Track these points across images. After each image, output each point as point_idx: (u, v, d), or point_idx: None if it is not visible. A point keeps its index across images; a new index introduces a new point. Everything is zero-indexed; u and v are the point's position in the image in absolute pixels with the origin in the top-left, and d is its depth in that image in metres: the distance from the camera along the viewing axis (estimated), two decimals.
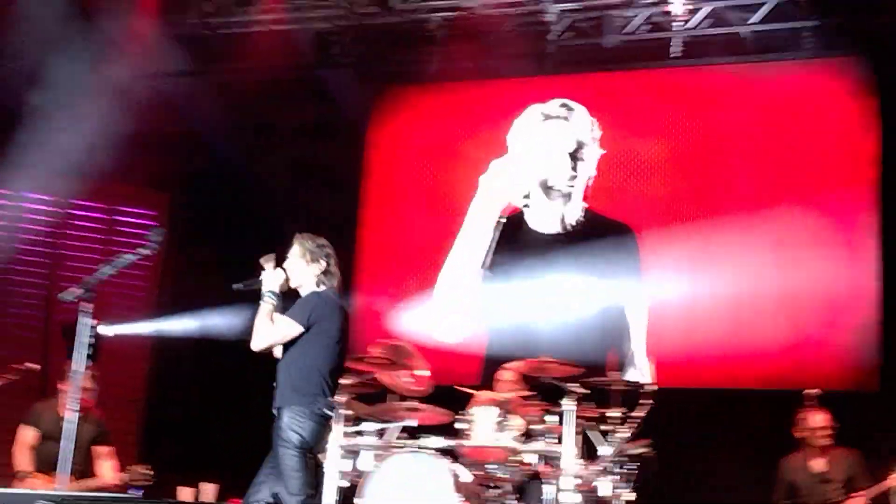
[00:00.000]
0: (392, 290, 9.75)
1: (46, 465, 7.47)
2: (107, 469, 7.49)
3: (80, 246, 10.25)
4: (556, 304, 8.56)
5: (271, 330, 5.61)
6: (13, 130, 9.44)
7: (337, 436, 7.21)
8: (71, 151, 10.38)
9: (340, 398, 7.23)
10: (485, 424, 7.21)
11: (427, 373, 7.56)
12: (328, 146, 10.53)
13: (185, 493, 7.20)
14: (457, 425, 7.40)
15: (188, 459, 9.24)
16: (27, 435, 7.53)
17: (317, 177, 10.51)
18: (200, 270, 10.52)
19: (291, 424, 5.58)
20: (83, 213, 10.34)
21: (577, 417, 7.15)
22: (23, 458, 7.49)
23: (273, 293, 5.68)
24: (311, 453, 5.59)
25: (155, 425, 10.16)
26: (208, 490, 7.15)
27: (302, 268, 5.88)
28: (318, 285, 5.85)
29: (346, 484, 7.28)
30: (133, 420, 10.05)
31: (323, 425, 5.66)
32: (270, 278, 5.73)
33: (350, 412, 7.34)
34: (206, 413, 10.21)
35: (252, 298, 5.77)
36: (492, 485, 7.20)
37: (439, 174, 9.86)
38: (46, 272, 10.20)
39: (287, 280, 5.81)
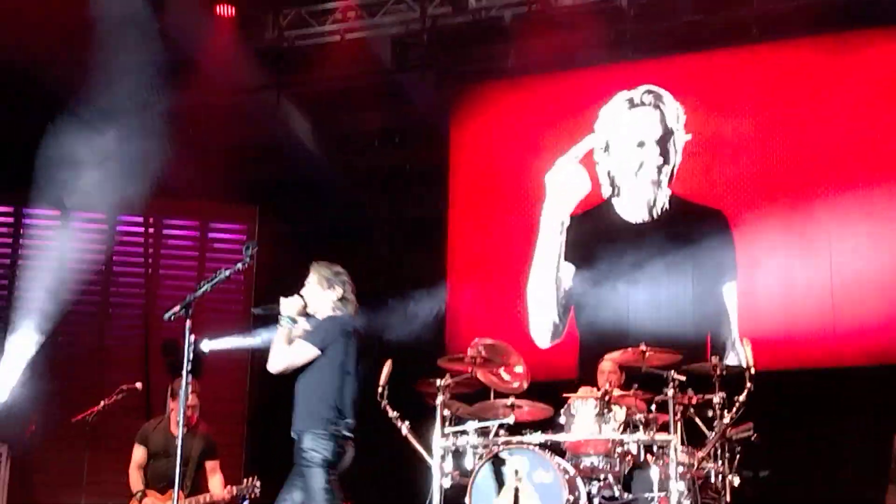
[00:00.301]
0: (483, 288, 9.75)
1: (158, 482, 7.60)
2: (216, 483, 7.59)
3: (175, 264, 10.40)
4: (649, 292, 8.51)
5: (288, 353, 5.71)
6: (101, 155, 9.62)
7: (439, 435, 7.26)
8: (158, 171, 10.58)
9: (439, 399, 7.29)
10: (586, 417, 7.21)
11: (524, 369, 7.57)
12: (411, 150, 10.58)
13: None
14: (558, 420, 7.41)
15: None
16: (138, 454, 7.67)
17: (402, 181, 10.56)
18: (291, 280, 10.63)
19: (314, 446, 5.66)
20: (175, 231, 10.49)
21: (679, 404, 7.12)
22: (134, 476, 7.63)
23: (290, 318, 5.79)
24: (334, 472, 5.70)
25: (258, 437, 10.27)
26: None
27: (318, 294, 5.96)
28: (333, 311, 5.94)
29: (449, 484, 7.32)
30: (238, 433, 10.17)
31: (343, 446, 5.77)
32: (288, 304, 5.85)
33: (450, 412, 7.38)
34: None
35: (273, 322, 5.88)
36: (596, 477, 7.20)
37: (524, 169, 9.83)
38: (143, 292, 10.38)
39: (305, 306, 5.90)
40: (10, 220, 10.44)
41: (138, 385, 7.84)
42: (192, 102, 9.69)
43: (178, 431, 7.47)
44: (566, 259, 9.27)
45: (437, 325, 9.47)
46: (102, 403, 7.70)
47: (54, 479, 9.60)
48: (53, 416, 9.42)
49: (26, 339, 9.68)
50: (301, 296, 5.88)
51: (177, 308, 5.65)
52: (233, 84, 10.13)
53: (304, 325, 5.79)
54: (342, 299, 5.96)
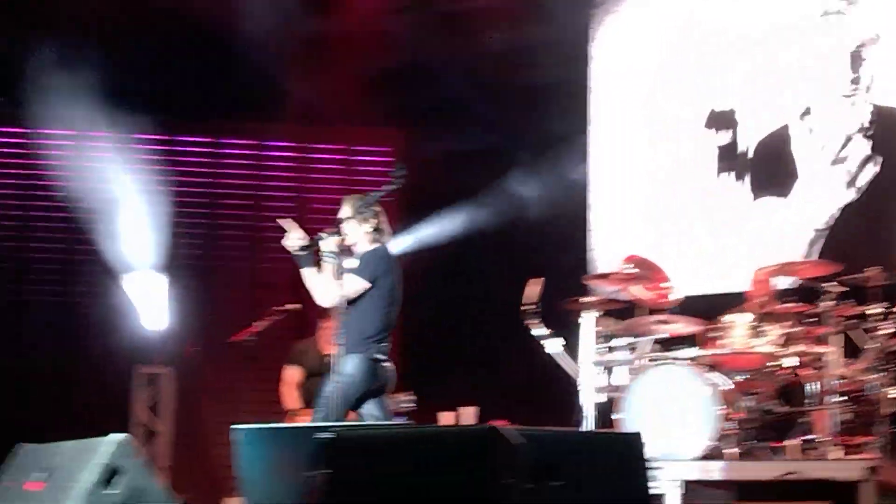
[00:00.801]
0: (627, 205, 9.64)
1: (312, 398, 7.78)
2: None
3: (322, 188, 10.55)
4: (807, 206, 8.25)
5: (339, 288, 5.87)
6: (257, 86, 9.78)
7: (589, 352, 7.27)
8: (306, 97, 10.71)
9: (588, 316, 7.28)
10: (740, 331, 7.12)
11: (674, 285, 7.49)
12: (551, 67, 10.43)
13: (445, 417, 7.37)
14: (710, 334, 7.33)
15: (447, 384, 9.48)
16: (293, 374, 7.86)
17: (542, 98, 10.45)
18: (437, 201, 10.69)
19: (351, 368, 5.92)
20: (322, 155, 10.63)
21: (837, 316, 6.96)
22: (291, 396, 7.83)
23: (332, 253, 5.94)
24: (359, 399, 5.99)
25: (412, 352, 10.44)
26: (468, 414, 7.32)
27: (355, 227, 6.12)
28: (371, 243, 6.11)
29: (602, 399, 7.34)
30: (392, 349, 10.33)
31: (376, 369, 5.99)
32: (328, 240, 6.02)
33: (601, 329, 7.38)
34: (461, 336, 10.42)
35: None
36: (751, 391, 7.12)
37: (664, 87, 9.61)
38: (294, 217, 10.54)
39: (343, 240, 6.06)
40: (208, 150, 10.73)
41: (292, 306, 8.01)
42: (336, 27, 9.73)
43: (330, 350, 7.67)
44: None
45: (583, 243, 9.42)
46: (259, 325, 7.89)
47: (215, 399, 9.93)
48: (212, 339, 9.73)
49: (179, 266, 9.99)
50: (339, 231, 6.04)
51: (328, 230, 5.74)
52: (376, 6, 10.14)
53: (347, 262, 5.98)
54: (377, 230, 6.15)
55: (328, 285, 5.93)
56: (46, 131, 10.14)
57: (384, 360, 6.06)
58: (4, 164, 10.63)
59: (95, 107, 9.67)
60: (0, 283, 10.47)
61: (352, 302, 5.97)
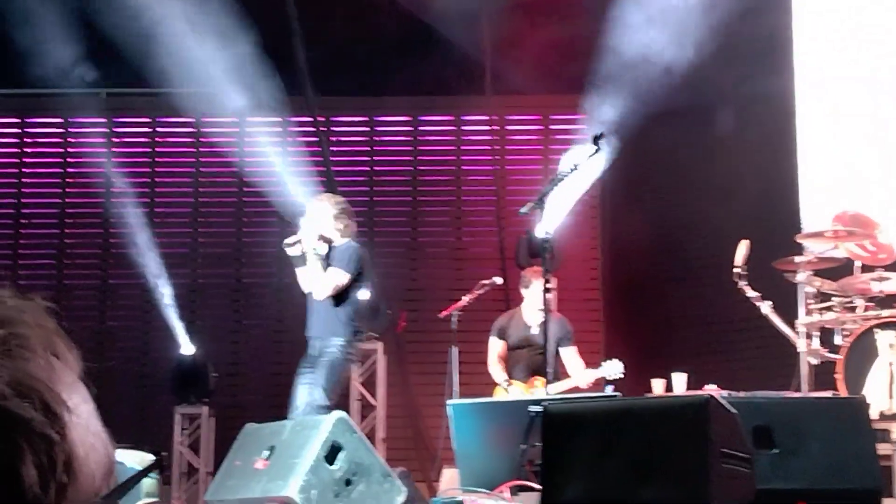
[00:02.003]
0: (841, 160, 9.29)
1: (519, 372, 7.83)
2: (577, 369, 7.73)
3: (520, 159, 10.58)
4: None
5: (331, 280, 6.44)
6: (453, 61, 9.87)
7: (803, 314, 7.06)
8: (501, 68, 10.73)
9: (801, 276, 7.07)
10: None
11: (890, 239, 7.19)
12: (751, 20, 10.10)
13: (657, 384, 7.27)
14: None
15: (655, 351, 9.39)
16: (497, 346, 7.91)
17: (743, 55, 10.15)
18: (638, 161, 10.56)
19: (344, 348, 6.47)
20: (518, 126, 10.65)
21: None
22: (496, 368, 7.89)
23: (315, 249, 6.46)
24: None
25: (614, 323, 10.38)
26: (680, 380, 7.19)
27: (330, 224, 6.56)
28: (341, 237, 6.58)
29: (817, 362, 7.12)
30: (594, 319, 10.33)
31: (356, 350, 6.78)
32: (310, 237, 6.50)
33: (813, 289, 7.15)
34: (668, 302, 10.29)
35: None
36: None
37: (873, 34, 9.18)
38: (494, 189, 10.64)
39: (321, 237, 6.52)
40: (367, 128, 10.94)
41: (497, 280, 8.06)
42: None
43: (532, 321, 7.70)
44: None
45: (792, 199, 9.14)
46: (466, 299, 7.96)
47: (424, 370, 10.11)
48: (421, 312, 9.91)
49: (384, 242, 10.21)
50: (316, 229, 6.51)
51: (531, 202, 5.76)
52: None
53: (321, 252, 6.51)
54: (346, 226, 6.62)
55: (321, 279, 6.44)
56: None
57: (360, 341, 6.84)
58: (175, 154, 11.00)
59: (293, 89, 9.97)
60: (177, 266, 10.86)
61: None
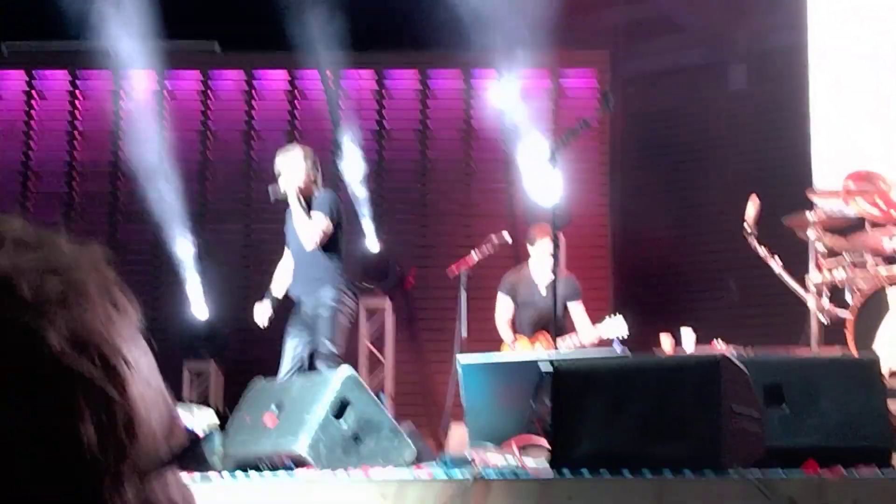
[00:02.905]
0: (851, 118, 9.21)
1: (526, 328, 7.83)
2: (584, 325, 7.72)
3: (530, 114, 10.48)
4: None
5: (317, 227, 6.38)
6: (459, 16, 9.78)
7: (813, 272, 7.03)
8: (509, 22, 10.63)
9: (812, 234, 7.03)
10: None
11: None
12: None
13: (665, 340, 7.25)
14: None
15: (664, 306, 9.38)
16: (506, 302, 7.90)
17: (756, 8, 10.06)
18: (649, 117, 10.51)
19: (337, 299, 6.40)
20: (527, 81, 10.56)
21: None
22: (504, 326, 7.88)
23: (298, 198, 6.39)
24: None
25: (623, 279, 10.37)
26: (688, 335, 7.17)
27: (310, 174, 6.52)
28: (317, 189, 6.54)
29: (826, 319, 7.10)
30: (602, 276, 10.30)
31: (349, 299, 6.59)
32: (291, 185, 6.44)
33: (824, 246, 7.11)
34: (677, 257, 10.27)
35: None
36: None
37: None
38: (502, 145, 10.58)
39: (301, 186, 6.46)
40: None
41: (506, 236, 8.03)
42: None
43: (540, 278, 7.69)
44: None
45: (804, 156, 9.08)
46: (474, 255, 7.94)
47: (432, 326, 10.12)
48: (429, 269, 9.89)
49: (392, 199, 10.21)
50: (295, 180, 6.45)
51: (543, 158, 5.72)
52: None
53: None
54: (317, 181, 6.57)
55: (308, 227, 6.38)
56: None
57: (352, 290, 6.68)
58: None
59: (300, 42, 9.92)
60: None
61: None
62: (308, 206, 6.44)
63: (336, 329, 6.35)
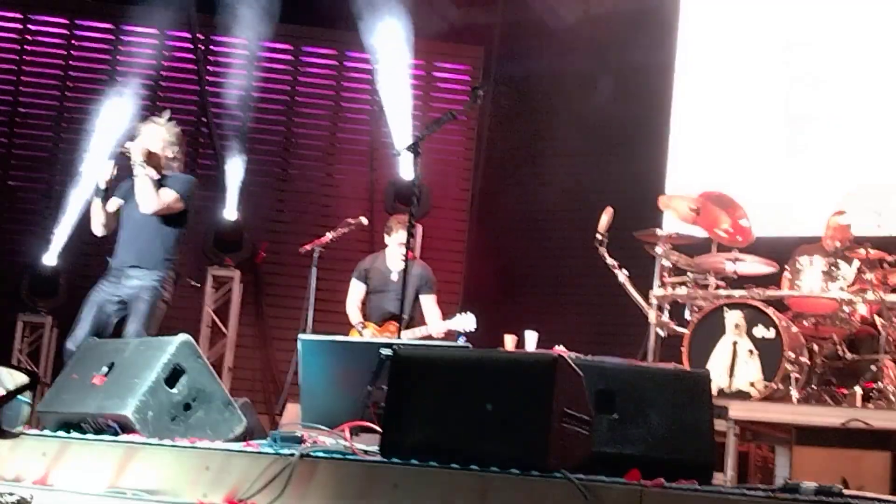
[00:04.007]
0: (708, 140, 9.46)
1: (376, 315, 7.81)
2: (433, 317, 7.74)
3: (399, 102, 10.45)
4: None
5: (163, 199, 6.19)
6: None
7: (658, 286, 7.19)
8: (387, 10, 10.60)
9: (660, 249, 7.18)
10: (812, 274, 6.98)
11: (749, 223, 7.35)
12: None
13: (509, 340, 7.34)
14: (782, 276, 7.20)
15: (511, 308, 9.47)
16: (356, 288, 7.87)
17: (627, 24, 10.23)
18: (514, 124, 10.60)
19: (163, 284, 6.20)
20: (401, 70, 10.51)
21: None
22: (353, 309, 7.85)
23: (142, 164, 6.18)
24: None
25: (475, 274, 10.43)
26: (531, 338, 7.27)
27: (165, 150, 6.34)
28: (167, 168, 6.34)
29: (665, 334, 7.27)
30: (457, 270, 10.35)
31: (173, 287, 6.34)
32: (136, 149, 6.23)
33: (670, 263, 7.28)
34: (528, 261, 10.38)
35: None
36: (820, 336, 7.00)
37: (752, 22, 9.34)
38: (369, 129, 10.55)
39: (149, 155, 6.25)
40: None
41: (363, 220, 7.99)
42: None
43: (393, 266, 7.69)
44: None
45: (661, 173, 9.29)
46: (329, 235, 7.89)
47: (279, 303, 10.03)
48: (283, 245, 9.79)
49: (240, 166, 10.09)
50: (147, 145, 6.25)
51: (406, 145, 5.70)
52: None
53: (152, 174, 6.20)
54: (175, 159, 6.40)
55: (150, 193, 6.15)
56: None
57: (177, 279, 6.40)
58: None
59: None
60: None
61: (156, 218, 6.24)
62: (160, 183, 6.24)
63: (152, 318, 6.16)
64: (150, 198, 6.17)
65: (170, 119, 6.45)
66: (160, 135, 6.35)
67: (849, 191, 8.13)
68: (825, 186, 8.53)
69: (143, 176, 6.15)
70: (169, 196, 6.21)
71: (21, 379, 3.31)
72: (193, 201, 6.38)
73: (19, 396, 3.52)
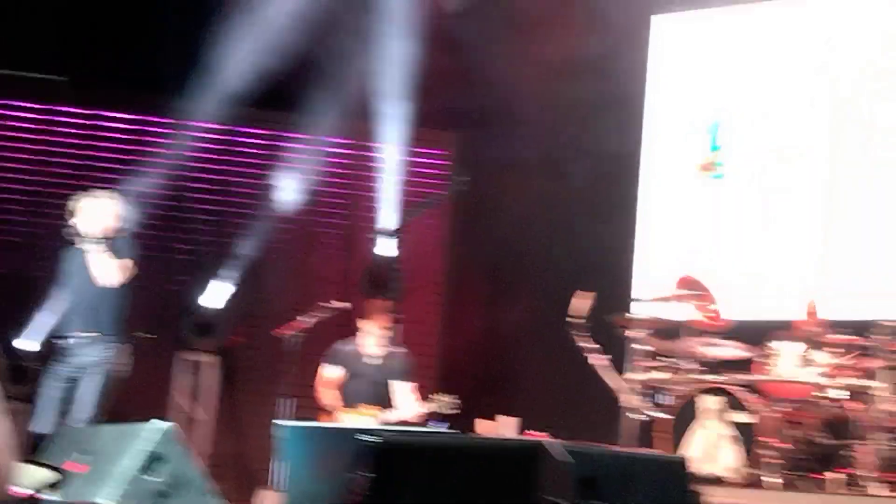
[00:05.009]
0: (676, 226, 9.56)
1: (350, 400, 7.76)
2: (410, 402, 7.70)
3: (376, 187, 10.52)
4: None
5: (123, 269, 6.35)
6: (311, 80, 9.82)
7: (634, 371, 7.22)
8: (363, 96, 10.71)
9: (636, 334, 7.22)
10: (788, 360, 7.04)
11: (724, 308, 7.42)
12: (610, 80, 10.33)
13: (483, 426, 7.32)
14: (758, 361, 7.25)
15: (485, 393, 9.45)
16: (329, 372, 7.84)
17: (599, 109, 10.38)
18: (487, 207, 10.68)
19: (115, 356, 6.29)
20: (377, 154, 10.60)
21: (888, 351, 6.86)
22: (328, 394, 7.80)
23: (102, 241, 6.34)
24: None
25: (451, 360, 10.42)
26: (508, 424, 7.26)
27: (111, 220, 6.50)
28: (119, 232, 6.54)
29: (639, 418, 7.28)
30: (431, 353, 10.33)
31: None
32: (92, 229, 6.38)
33: (646, 348, 7.32)
34: (502, 346, 10.39)
35: None
36: (796, 421, 7.03)
37: (721, 101, 9.50)
38: (346, 212, 10.59)
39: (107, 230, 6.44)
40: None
41: (342, 304, 8.00)
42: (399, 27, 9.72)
43: (369, 351, 7.67)
44: None
45: (630, 258, 9.37)
46: (306, 320, 7.89)
47: (255, 391, 9.96)
48: (258, 330, 9.75)
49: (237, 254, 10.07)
50: (100, 222, 6.42)
51: (387, 230, 5.76)
52: (435, 7, 10.16)
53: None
54: (123, 232, 6.56)
55: (109, 266, 6.27)
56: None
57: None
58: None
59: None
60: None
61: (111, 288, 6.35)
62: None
63: (105, 392, 6.20)
64: (113, 271, 6.27)
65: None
66: (113, 209, 6.49)
67: (823, 273, 8.25)
68: (799, 270, 8.61)
69: (103, 252, 6.26)
70: (128, 265, 6.34)
71: (47, 477, 3.30)
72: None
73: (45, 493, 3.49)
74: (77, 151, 10.63)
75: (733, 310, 7.61)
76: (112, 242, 6.40)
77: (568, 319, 7.38)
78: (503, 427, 7.29)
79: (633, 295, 8.55)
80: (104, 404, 6.13)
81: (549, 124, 10.73)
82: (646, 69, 10.00)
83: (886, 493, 6.41)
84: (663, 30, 9.95)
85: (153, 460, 4.84)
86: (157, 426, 4.98)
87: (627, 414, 7.21)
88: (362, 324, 7.83)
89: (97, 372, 6.19)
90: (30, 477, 5.99)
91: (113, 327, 6.31)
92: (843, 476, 6.62)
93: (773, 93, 9.20)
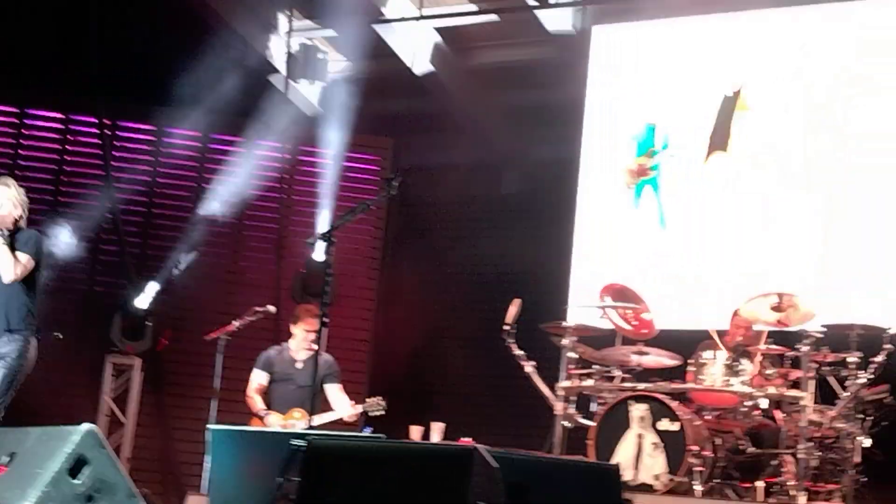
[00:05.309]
0: (611, 232, 9.61)
1: (280, 404, 7.72)
2: (345, 402, 7.67)
3: (308, 191, 10.47)
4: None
5: (20, 263, 6.15)
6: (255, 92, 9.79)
7: (564, 378, 7.25)
8: (298, 100, 10.66)
9: (566, 342, 7.26)
10: (715, 368, 7.11)
11: (653, 317, 7.48)
12: (548, 88, 10.38)
13: (415, 431, 7.31)
14: (686, 369, 7.32)
15: (416, 398, 9.44)
16: (260, 377, 7.78)
17: (535, 119, 10.43)
18: (423, 210, 10.69)
19: (21, 350, 6.11)
20: (310, 159, 10.56)
21: (813, 362, 6.96)
22: (256, 398, 7.74)
23: (3, 234, 6.18)
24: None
25: (382, 365, 10.39)
26: (438, 429, 7.26)
27: (12, 211, 6.29)
28: (21, 225, 6.33)
29: (570, 425, 7.32)
30: (362, 359, 10.29)
31: (32, 347, 6.21)
32: None
33: (576, 355, 7.36)
34: (433, 352, 10.39)
35: None
36: (722, 430, 7.11)
37: (659, 113, 9.57)
38: (277, 217, 10.51)
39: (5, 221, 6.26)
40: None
41: (271, 308, 7.95)
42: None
43: (299, 356, 7.64)
44: None
45: (566, 266, 9.40)
46: (236, 324, 7.83)
47: (183, 395, 9.86)
48: (187, 332, 9.64)
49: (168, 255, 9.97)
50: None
51: (320, 234, 5.72)
52: (374, 15, 10.16)
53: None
54: (23, 218, 6.35)
55: (7, 260, 6.12)
56: None
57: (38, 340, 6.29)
58: None
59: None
60: None
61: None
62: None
63: (11, 386, 6.05)
64: (10, 267, 6.11)
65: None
66: (11, 195, 6.28)
67: (752, 283, 8.32)
68: (729, 279, 8.67)
69: (3, 246, 6.10)
70: (26, 260, 6.15)
71: None
72: (43, 255, 6.34)
73: None
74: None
75: (664, 318, 7.64)
76: (14, 235, 6.19)
77: (504, 326, 7.42)
78: (434, 432, 7.28)
79: (570, 302, 8.57)
80: (4, 401, 5.97)
81: (486, 131, 10.78)
82: (587, 77, 10.00)
83: (809, 502, 6.49)
84: (603, 40, 9.98)
85: (77, 463, 4.75)
86: (80, 428, 4.89)
87: (560, 422, 7.24)
88: (293, 328, 7.79)
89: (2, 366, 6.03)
90: None
91: (18, 323, 6.12)
92: (769, 484, 6.69)
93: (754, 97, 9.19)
